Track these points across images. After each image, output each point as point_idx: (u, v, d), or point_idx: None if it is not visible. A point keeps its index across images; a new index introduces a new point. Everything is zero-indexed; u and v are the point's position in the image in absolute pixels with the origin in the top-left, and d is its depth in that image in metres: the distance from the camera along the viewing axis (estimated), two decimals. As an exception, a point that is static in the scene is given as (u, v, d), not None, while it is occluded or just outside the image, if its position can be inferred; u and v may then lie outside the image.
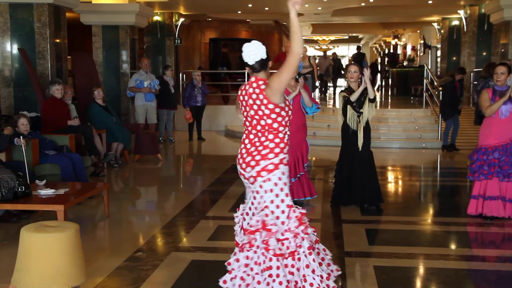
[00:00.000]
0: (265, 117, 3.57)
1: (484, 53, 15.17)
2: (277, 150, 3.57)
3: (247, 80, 12.99)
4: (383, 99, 18.32)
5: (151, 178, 8.98)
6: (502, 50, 12.24)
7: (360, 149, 6.27)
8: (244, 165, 3.62)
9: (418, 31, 26.29)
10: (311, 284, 3.54)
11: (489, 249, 5.33)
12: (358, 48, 22.34)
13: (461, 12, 16.13)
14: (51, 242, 3.49)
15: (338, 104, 6.41)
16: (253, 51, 3.62)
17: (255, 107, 3.59)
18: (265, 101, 3.55)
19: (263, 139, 3.59)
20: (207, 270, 4.49)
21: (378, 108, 13.82)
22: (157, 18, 16.57)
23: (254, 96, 3.59)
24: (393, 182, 8.62)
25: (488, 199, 5.90)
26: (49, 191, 5.47)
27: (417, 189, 8.29)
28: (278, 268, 3.50)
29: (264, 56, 3.63)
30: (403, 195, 7.76)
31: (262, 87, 3.57)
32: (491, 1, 12.51)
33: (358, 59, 20.65)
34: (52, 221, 3.83)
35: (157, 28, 16.64)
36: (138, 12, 12.21)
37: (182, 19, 17.63)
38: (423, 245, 5.22)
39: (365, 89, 6.21)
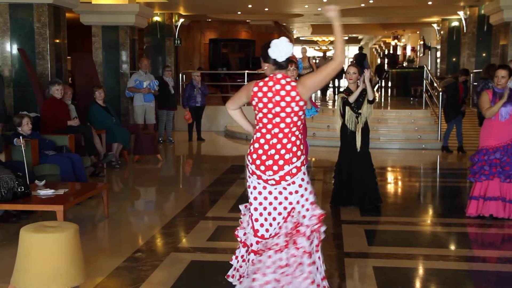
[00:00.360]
0: (292, 114, 3.53)
1: (484, 54, 15.17)
2: (299, 153, 3.55)
3: (247, 79, 12.83)
4: (382, 100, 18.32)
5: (150, 178, 8.97)
6: (502, 51, 12.24)
7: (358, 149, 6.27)
8: (263, 167, 3.55)
9: (418, 32, 26.31)
10: (312, 282, 3.54)
11: (489, 250, 5.33)
12: (360, 48, 22.27)
13: (461, 13, 16.14)
14: (51, 243, 3.49)
15: (337, 105, 6.42)
16: (284, 48, 3.58)
17: (282, 103, 3.52)
18: (297, 98, 3.51)
19: (285, 140, 3.53)
20: (207, 271, 4.49)
21: (377, 109, 13.83)
22: (157, 18, 16.57)
23: (283, 92, 3.52)
24: (393, 183, 8.62)
25: (488, 200, 5.90)
26: (49, 192, 5.47)
27: (416, 190, 8.30)
28: (309, 265, 3.49)
29: (291, 53, 3.65)
30: (403, 196, 7.77)
31: (293, 84, 3.54)
32: (491, 2, 12.52)
33: (359, 59, 20.65)
34: (52, 221, 3.83)
35: (157, 28, 16.64)
36: (138, 13, 12.21)
37: (182, 20, 17.64)
38: (422, 246, 5.22)
39: (364, 90, 6.22)
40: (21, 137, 6.14)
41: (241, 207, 3.89)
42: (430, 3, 15.39)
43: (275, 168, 3.52)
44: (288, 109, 3.52)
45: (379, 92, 20.89)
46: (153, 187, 8.34)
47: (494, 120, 5.86)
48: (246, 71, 15.10)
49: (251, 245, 3.65)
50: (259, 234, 3.62)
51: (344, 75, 6.44)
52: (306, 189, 3.58)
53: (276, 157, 3.52)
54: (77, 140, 7.81)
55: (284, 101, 3.52)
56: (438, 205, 7.17)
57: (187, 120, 12.37)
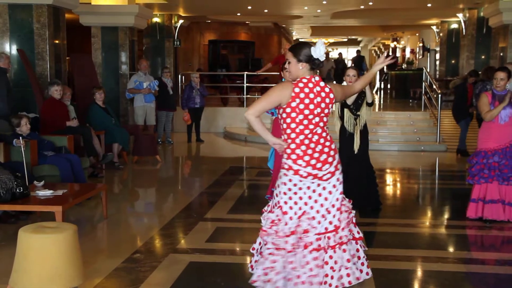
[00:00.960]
0: (328, 114, 3.75)
1: (483, 57, 15.18)
2: (333, 146, 3.79)
3: (246, 81, 12.77)
4: (381, 102, 18.33)
5: (149, 179, 8.97)
6: (501, 54, 12.25)
7: (355, 151, 6.27)
8: (319, 165, 3.63)
9: (417, 34, 26.33)
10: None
11: (487, 252, 5.33)
12: (358, 51, 22.04)
13: (460, 15, 16.16)
14: (49, 243, 3.49)
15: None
16: (324, 49, 3.70)
17: (323, 105, 3.66)
18: (334, 100, 3.73)
19: (324, 134, 3.70)
20: (205, 272, 4.48)
21: (377, 110, 13.84)
22: (156, 19, 16.58)
23: (323, 94, 3.67)
24: (392, 185, 8.62)
25: (488, 203, 5.89)
26: (47, 192, 5.46)
27: (415, 191, 8.29)
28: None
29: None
30: (402, 197, 7.77)
31: (329, 86, 3.74)
32: (490, 5, 12.53)
33: (358, 62, 20.59)
34: (50, 222, 3.83)
35: (156, 29, 16.65)
36: (138, 14, 12.21)
37: (181, 21, 17.65)
38: (421, 248, 5.22)
39: (363, 92, 6.22)
40: (21, 137, 6.14)
41: (270, 214, 3.76)
42: (429, 5, 15.41)
43: (330, 159, 3.69)
44: (326, 110, 3.69)
45: (378, 94, 20.90)
46: (152, 188, 8.34)
47: (494, 123, 5.86)
48: (246, 72, 15.10)
49: (311, 243, 3.64)
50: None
51: (344, 77, 6.43)
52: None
53: (326, 149, 3.68)
54: (76, 140, 7.80)
55: (324, 102, 3.66)
56: (437, 207, 7.17)
57: (186, 121, 12.37)
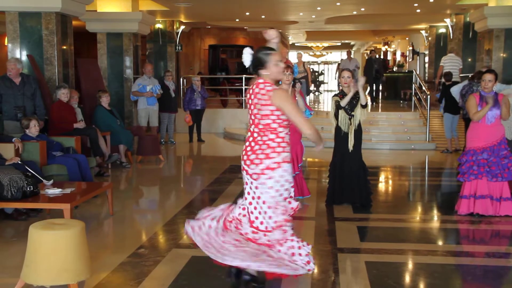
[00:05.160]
0: (264, 117, 3.64)
1: (469, 59, 15.20)
2: (279, 149, 3.64)
3: (245, 84, 12.85)
4: (374, 103, 18.32)
5: (153, 178, 8.96)
6: (486, 57, 12.26)
7: (350, 150, 6.27)
8: (248, 162, 3.70)
9: (407, 38, 26.35)
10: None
11: (475, 245, 5.33)
12: (372, 52, 20.60)
13: (448, 20, 16.19)
14: (58, 239, 3.50)
15: (331, 107, 6.41)
16: (244, 57, 3.88)
17: (258, 106, 3.67)
18: (266, 102, 3.63)
19: (265, 138, 3.65)
20: (206, 266, 4.48)
21: (369, 111, 13.83)
22: (159, 25, 16.59)
23: (259, 95, 3.68)
24: (383, 182, 8.63)
25: (479, 198, 5.89)
26: (56, 191, 5.46)
27: (406, 188, 8.30)
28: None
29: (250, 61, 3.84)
30: (393, 194, 7.78)
31: (268, 88, 3.65)
32: (476, 10, 12.55)
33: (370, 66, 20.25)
34: (59, 219, 3.84)
35: (159, 35, 16.66)
36: (141, 20, 12.21)
37: (182, 27, 17.65)
38: (411, 242, 5.23)
39: (357, 93, 6.22)
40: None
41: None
42: (418, 11, 15.43)
43: (257, 161, 3.76)
44: (262, 112, 3.74)
45: (370, 96, 20.84)
46: (155, 186, 8.33)
47: (481, 123, 5.86)
48: (244, 76, 15.10)
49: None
50: None
51: (339, 79, 6.44)
52: (282, 185, 3.78)
53: (258, 152, 3.75)
54: (83, 141, 7.80)
55: (259, 103, 3.73)
56: (426, 202, 7.17)
57: (188, 123, 12.37)
